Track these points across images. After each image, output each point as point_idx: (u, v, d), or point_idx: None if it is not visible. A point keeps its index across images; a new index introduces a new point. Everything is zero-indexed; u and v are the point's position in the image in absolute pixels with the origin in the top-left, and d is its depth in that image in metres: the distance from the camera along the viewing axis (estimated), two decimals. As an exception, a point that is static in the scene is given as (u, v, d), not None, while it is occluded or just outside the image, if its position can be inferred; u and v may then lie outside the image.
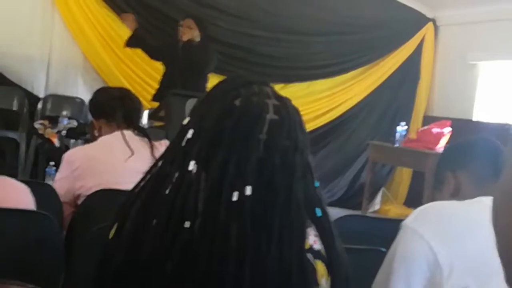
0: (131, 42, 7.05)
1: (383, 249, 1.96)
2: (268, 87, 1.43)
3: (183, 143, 1.36)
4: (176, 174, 1.34)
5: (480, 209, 1.65)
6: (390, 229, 1.82)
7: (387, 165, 8.67)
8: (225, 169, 1.29)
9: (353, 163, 8.73)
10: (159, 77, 7.68)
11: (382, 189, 8.75)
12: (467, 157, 2.00)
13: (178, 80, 6.13)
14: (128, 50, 7.67)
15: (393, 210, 8.06)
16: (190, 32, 6.46)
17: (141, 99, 3.80)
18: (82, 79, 7.75)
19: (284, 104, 1.40)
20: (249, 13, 8.04)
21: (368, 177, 7.75)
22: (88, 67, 7.71)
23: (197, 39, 6.53)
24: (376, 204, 8.64)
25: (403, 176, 8.77)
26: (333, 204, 7.81)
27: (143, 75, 7.76)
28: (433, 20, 8.71)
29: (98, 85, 5.64)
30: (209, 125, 1.35)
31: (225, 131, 1.33)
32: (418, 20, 8.71)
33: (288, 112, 1.39)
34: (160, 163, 1.40)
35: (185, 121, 1.40)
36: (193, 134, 1.36)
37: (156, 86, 7.68)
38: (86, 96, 7.18)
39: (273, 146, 1.33)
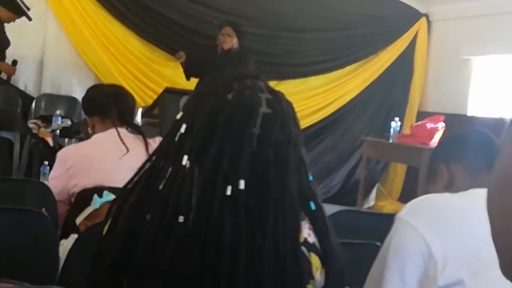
0: (189, 74, 7.07)
1: (378, 243, 1.96)
2: (261, 81, 1.43)
3: (176, 138, 1.36)
4: (170, 169, 1.33)
5: (474, 200, 1.65)
6: (385, 223, 1.82)
7: (382, 161, 8.68)
8: (218, 163, 1.29)
9: (348, 160, 8.74)
10: (153, 75, 7.68)
11: (377, 185, 8.76)
12: (460, 150, 2.00)
13: None
14: (122, 48, 7.68)
15: (388, 206, 8.06)
16: (230, 40, 6.52)
17: (135, 97, 3.80)
18: (76, 78, 7.75)
19: (277, 98, 1.40)
20: (243, 10, 8.03)
21: (363, 173, 7.76)
22: (82, 65, 7.70)
23: (236, 46, 6.57)
24: (371, 200, 8.65)
25: (398, 172, 8.78)
26: (328, 200, 7.80)
27: (137, 73, 7.77)
28: (426, 15, 8.72)
29: (92, 83, 5.63)
30: (202, 119, 1.34)
31: (218, 125, 1.32)
32: (411, 15, 8.72)
33: (281, 106, 1.39)
34: (153, 158, 1.40)
35: (178, 116, 1.40)
36: (186, 129, 1.35)
37: (150, 84, 7.68)
38: (80, 95, 7.16)
39: (267, 139, 1.33)
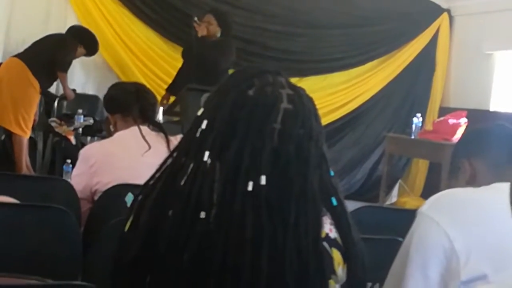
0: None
1: (400, 239, 1.96)
2: (282, 77, 1.43)
3: (198, 134, 1.36)
4: (191, 165, 1.33)
5: (496, 195, 1.65)
6: (407, 219, 1.81)
7: (404, 157, 8.65)
8: (239, 159, 1.29)
9: (370, 156, 8.72)
10: (174, 72, 7.69)
11: (399, 181, 8.73)
12: (482, 144, 1.99)
13: (192, 75, 6.06)
14: (143, 46, 7.70)
15: (410, 202, 8.01)
16: (207, 28, 6.35)
17: (156, 94, 3.80)
18: (97, 76, 7.78)
19: (298, 94, 1.40)
20: (264, 8, 8.04)
21: (385, 169, 7.73)
22: (102, 63, 7.72)
23: (217, 34, 6.44)
24: (393, 197, 8.62)
25: (420, 168, 8.73)
26: (350, 197, 7.79)
27: (158, 71, 7.78)
28: (448, 10, 8.67)
29: (113, 82, 5.64)
30: (223, 116, 1.35)
31: (239, 121, 1.32)
32: (432, 11, 8.67)
33: (302, 102, 1.38)
34: (175, 155, 1.41)
35: (199, 112, 1.40)
36: (207, 125, 1.36)
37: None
38: (101, 93, 7.18)
39: (288, 135, 1.33)
